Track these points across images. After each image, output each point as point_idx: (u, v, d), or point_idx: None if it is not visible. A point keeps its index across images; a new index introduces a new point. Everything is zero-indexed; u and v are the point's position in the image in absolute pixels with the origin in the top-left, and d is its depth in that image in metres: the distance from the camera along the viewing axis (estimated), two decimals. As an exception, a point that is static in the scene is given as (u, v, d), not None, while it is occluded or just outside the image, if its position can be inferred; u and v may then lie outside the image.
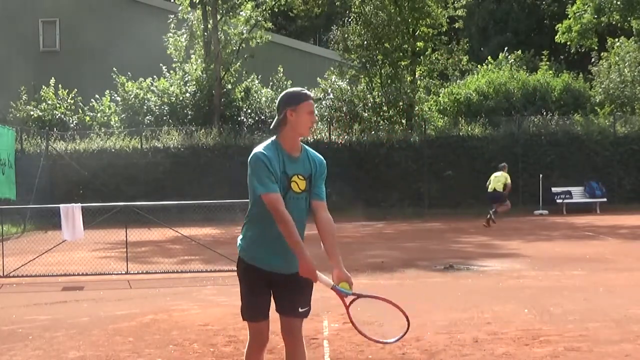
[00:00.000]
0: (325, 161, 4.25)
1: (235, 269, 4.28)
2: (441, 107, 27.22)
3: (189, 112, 25.58)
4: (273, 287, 4.21)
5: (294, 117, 4.04)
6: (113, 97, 27.14)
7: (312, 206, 4.14)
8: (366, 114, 24.98)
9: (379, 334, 4.08)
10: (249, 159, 4.04)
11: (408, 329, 4.00)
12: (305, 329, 6.85)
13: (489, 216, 17.31)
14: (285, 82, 26.79)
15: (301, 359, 4.30)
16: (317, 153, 4.26)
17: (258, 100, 26.59)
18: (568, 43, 30.99)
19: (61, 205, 11.26)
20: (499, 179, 17.48)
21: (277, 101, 4.17)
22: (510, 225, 18.32)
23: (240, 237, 4.21)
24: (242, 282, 4.24)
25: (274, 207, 3.90)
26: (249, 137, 23.84)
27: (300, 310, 4.23)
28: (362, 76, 26.05)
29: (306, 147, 4.18)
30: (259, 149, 4.05)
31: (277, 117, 4.11)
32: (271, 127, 4.17)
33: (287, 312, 4.24)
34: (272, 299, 4.27)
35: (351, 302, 4.09)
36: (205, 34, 25.93)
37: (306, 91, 4.14)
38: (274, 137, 4.11)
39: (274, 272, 4.13)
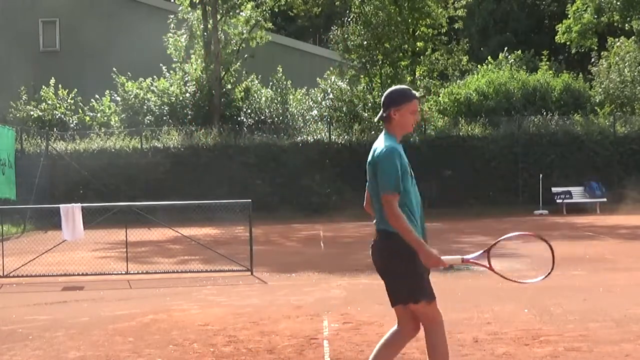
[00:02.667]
0: None
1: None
2: (441, 107, 27.19)
3: (189, 112, 25.56)
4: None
5: (398, 115, 4.32)
6: (113, 97, 27.12)
7: None
8: (366, 114, 24.97)
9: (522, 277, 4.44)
10: (381, 152, 4.24)
11: (553, 263, 4.22)
12: (305, 329, 6.87)
13: None
14: (285, 82, 26.78)
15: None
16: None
17: (258, 100, 26.55)
18: (568, 43, 31.00)
19: (61, 205, 11.25)
20: None
21: (383, 97, 4.45)
22: (510, 225, 18.32)
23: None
24: (414, 262, 4.30)
25: (393, 206, 4.19)
26: (249, 137, 23.85)
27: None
28: (362, 76, 26.03)
29: None
30: (388, 142, 4.27)
31: (381, 112, 4.38)
32: (376, 118, 4.51)
33: None
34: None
35: (489, 261, 4.37)
36: (205, 34, 25.92)
37: (411, 91, 4.39)
38: (387, 132, 4.36)
39: None
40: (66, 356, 6.14)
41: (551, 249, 4.27)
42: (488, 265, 4.35)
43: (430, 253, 4.22)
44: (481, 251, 4.35)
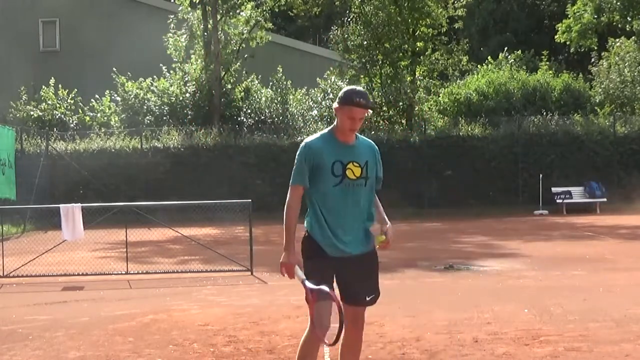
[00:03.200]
0: (375, 145, 4.45)
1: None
2: (441, 107, 27.20)
3: (189, 112, 25.57)
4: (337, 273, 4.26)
5: (338, 115, 4.26)
6: (113, 97, 27.13)
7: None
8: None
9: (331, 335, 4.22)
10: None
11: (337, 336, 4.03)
12: (305, 329, 6.86)
13: None
14: (285, 82, 26.79)
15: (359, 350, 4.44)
16: (366, 139, 4.46)
17: (258, 100, 26.56)
18: (568, 43, 30.99)
19: (61, 205, 11.26)
20: None
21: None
22: (510, 225, 18.33)
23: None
24: (309, 263, 4.21)
25: (290, 196, 4.21)
26: (249, 137, 23.85)
27: (367, 298, 4.33)
28: (362, 76, 26.02)
29: (358, 135, 4.37)
30: (310, 137, 4.26)
31: None
32: None
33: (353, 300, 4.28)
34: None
35: (314, 300, 4.12)
36: (205, 34, 25.93)
37: (359, 97, 4.21)
38: (332, 125, 4.32)
39: (338, 257, 4.22)
40: (66, 356, 6.14)
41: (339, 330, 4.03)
42: (311, 306, 4.12)
43: (286, 257, 4.16)
44: (331, 301, 4.08)
